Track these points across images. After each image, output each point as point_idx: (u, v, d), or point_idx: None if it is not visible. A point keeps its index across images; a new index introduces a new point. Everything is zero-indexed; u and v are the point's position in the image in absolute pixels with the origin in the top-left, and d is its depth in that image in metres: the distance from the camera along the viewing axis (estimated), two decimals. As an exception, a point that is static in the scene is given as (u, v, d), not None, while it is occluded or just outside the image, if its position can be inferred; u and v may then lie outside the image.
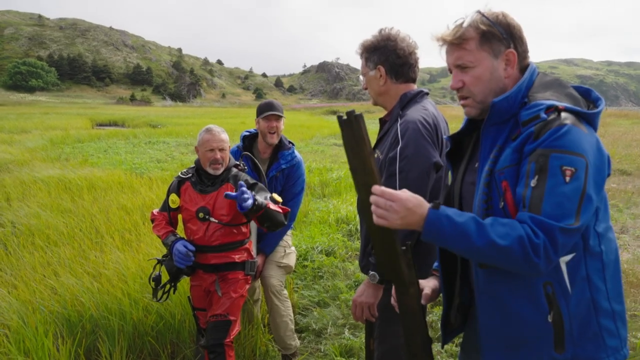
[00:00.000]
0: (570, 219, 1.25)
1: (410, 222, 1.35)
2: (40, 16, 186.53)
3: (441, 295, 1.72)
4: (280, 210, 2.82)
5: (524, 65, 1.50)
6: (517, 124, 1.41)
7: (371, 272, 2.05)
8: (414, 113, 2.10)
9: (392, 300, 1.69)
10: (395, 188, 1.54)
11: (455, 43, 1.47)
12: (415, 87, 2.26)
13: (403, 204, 1.34)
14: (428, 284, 1.72)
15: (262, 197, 2.81)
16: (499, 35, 1.44)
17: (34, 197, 7.00)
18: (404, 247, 1.48)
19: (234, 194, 2.62)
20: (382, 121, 2.30)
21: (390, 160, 2.04)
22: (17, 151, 12.74)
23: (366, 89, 2.29)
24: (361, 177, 1.41)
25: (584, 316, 1.36)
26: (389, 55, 2.17)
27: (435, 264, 1.80)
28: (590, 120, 1.38)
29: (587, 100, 1.48)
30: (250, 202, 2.59)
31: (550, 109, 1.34)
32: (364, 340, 3.54)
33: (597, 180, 1.31)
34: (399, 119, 2.12)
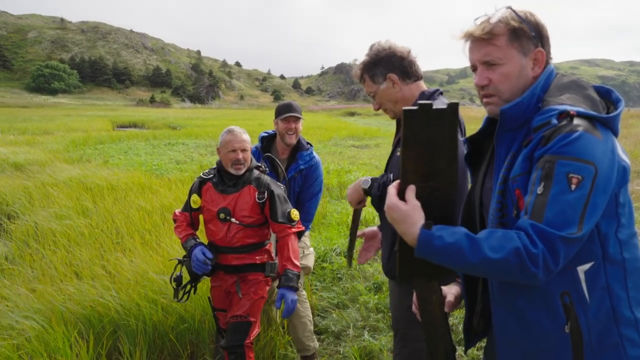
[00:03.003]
0: (572, 227, 1.21)
1: (404, 234, 1.36)
2: (62, 20, 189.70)
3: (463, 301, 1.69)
4: (296, 246, 2.96)
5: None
6: (530, 130, 1.36)
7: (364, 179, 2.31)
8: None
9: (414, 308, 1.66)
10: None
11: (485, 38, 1.42)
12: (423, 84, 2.28)
13: (402, 214, 1.35)
14: (450, 291, 1.69)
15: (280, 214, 2.85)
16: (529, 33, 1.41)
17: (55, 198, 7.10)
18: None
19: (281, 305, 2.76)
20: (399, 121, 2.28)
21: None
22: (40, 152, 12.94)
23: (379, 108, 2.30)
24: None
25: (603, 326, 1.32)
26: (393, 61, 2.19)
27: None
28: (607, 124, 1.31)
29: (608, 101, 1.42)
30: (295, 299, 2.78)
31: (563, 114, 1.28)
32: (383, 343, 3.52)
33: (606, 188, 1.25)
34: None
